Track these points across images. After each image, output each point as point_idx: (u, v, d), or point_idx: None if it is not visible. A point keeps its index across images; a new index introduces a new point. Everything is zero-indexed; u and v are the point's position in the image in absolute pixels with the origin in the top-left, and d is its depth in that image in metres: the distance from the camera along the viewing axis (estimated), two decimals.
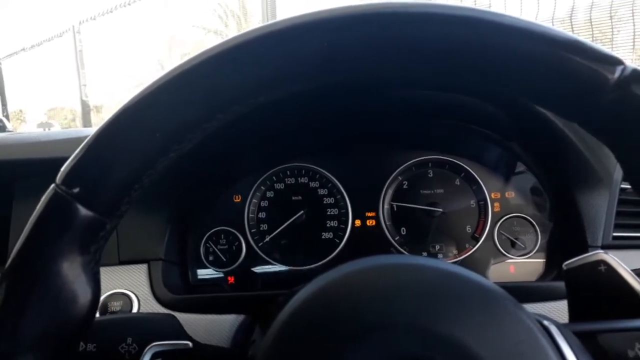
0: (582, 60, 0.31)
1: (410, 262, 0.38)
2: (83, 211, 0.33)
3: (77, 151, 0.34)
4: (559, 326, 0.37)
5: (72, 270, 0.34)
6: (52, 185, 0.34)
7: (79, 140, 0.81)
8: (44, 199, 0.34)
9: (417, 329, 0.33)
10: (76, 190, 0.33)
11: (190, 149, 0.35)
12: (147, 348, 0.45)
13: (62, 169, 0.34)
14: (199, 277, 0.89)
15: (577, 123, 0.35)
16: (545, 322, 0.37)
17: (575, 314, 0.46)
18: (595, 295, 0.44)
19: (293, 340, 0.35)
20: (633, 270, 0.43)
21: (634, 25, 3.08)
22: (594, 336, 0.39)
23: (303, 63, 0.33)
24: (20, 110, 10.33)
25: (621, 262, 0.43)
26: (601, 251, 0.44)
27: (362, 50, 0.33)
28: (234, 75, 0.33)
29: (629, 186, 0.79)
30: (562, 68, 0.31)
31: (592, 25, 3.17)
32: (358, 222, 0.89)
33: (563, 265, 0.46)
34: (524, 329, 0.33)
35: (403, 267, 0.37)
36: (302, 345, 0.34)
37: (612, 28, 3.16)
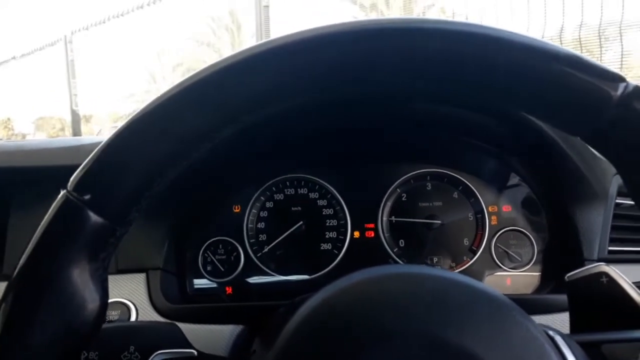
0: (585, 77, 0.32)
1: (419, 272, 0.38)
2: (94, 218, 0.33)
3: (89, 158, 0.34)
4: (564, 336, 0.38)
5: (81, 277, 0.34)
6: (63, 192, 0.34)
7: (80, 148, 0.83)
8: (54, 205, 0.34)
9: (425, 337, 0.33)
10: (87, 196, 0.33)
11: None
12: (152, 356, 0.45)
13: (74, 175, 0.34)
14: (196, 286, 0.88)
15: (580, 138, 0.36)
16: (551, 332, 0.37)
17: (576, 325, 0.46)
18: (596, 306, 0.45)
19: (302, 349, 0.35)
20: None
21: (621, 45, 3.13)
22: (597, 346, 0.39)
23: (314, 75, 0.34)
24: (8, 119, 10.23)
25: (622, 275, 0.44)
26: (603, 263, 0.45)
27: (372, 65, 0.33)
28: (245, 86, 0.34)
29: (624, 201, 0.80)
30: (565, 84, 0.32)
31: (580, 44, 3.21)
32: (357, 234, 0.90)
33: (565, 277, 0.46)
34: (531, 339, 0.33)
35: (412, 277, 0.37)
36: (312, 355, 0.34)
37: (600, 47, 3.21)
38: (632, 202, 0.80)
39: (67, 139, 0.97)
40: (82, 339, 0.35)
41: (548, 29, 3.30)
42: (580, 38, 3.22)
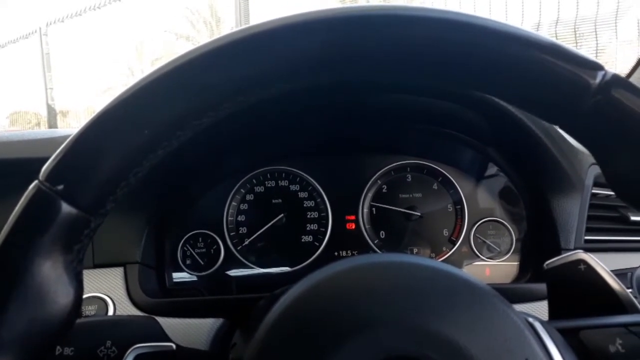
0: (564, 65, 0.32)
1: (399, 260, 0.38)
2: (67, 208, 0.32)
3: (62, 147, 0.33)
4: (543, 323, 0.38)
5: (54, 270, 0.33)
6: (35, 182, 0.33)
7: (53, 140, 0.81)
8: (26, 195, 0.33)
9: (408, 326, 0.33)
10: (60, 187, 0.32)
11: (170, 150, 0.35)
12: (130, 350, 0.44)
13: (46, 165, 0.33)
14: (175, 280, 0.87)
15: (559, 126, 0.36)
16: (530, 319, 0.38)
17: (555, 312, 0.47)
18: (574, 293, 0.45)
19: (282, 341, 0.34)
20: None
21: (596, 41, 3.19)
22: (576, 332, 0.39)
23: (295, 62, 0.33)
24: None
25: (599, 262, 0.45)
26: (581, 251, 0.46)
27: (354, 52, 0.33)
28: (226, 73, 0.33)
29: (599, 191, 0.82)
30: (544, 72, 0.32)
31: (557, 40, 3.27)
32: (338, 225, 0.90)
33: (544, 265, 0.47)
34: (512, 326, 0.33)
35: (392, 265, 0.37)
36: (292, 346, 0.34)
37: (575, 43, 3.26)
38: (608, 192, 0.81)
39: (40, 131, 0.95)
40: (55, 333, 0.34)
41: (525, 25, 3.34)
42: (556, 34, 3.27)
